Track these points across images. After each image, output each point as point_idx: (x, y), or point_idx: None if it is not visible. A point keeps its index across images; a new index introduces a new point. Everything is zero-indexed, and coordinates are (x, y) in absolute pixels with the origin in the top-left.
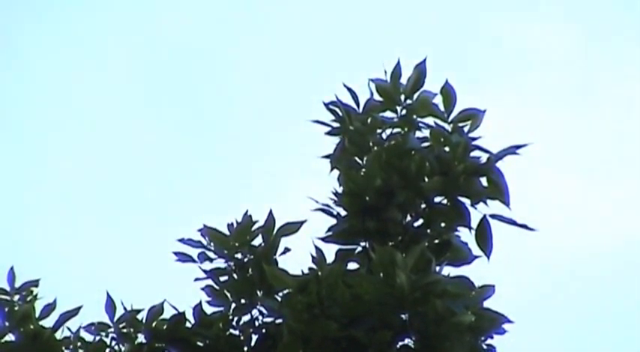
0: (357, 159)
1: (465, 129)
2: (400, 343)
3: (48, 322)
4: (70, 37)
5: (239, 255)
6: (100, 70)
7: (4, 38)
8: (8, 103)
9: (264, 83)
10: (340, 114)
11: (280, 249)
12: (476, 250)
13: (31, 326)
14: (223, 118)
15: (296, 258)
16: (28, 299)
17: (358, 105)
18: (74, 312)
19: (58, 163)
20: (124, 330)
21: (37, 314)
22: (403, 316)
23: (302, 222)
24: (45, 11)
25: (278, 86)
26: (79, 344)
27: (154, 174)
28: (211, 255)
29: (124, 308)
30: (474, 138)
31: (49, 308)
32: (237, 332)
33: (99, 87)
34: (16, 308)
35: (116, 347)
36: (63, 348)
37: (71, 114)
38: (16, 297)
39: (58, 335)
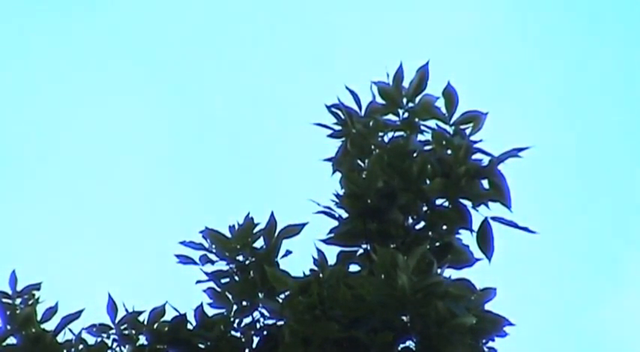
0: (359, 161)
1: (467, 132)
2: (401, 345)
3: (50, 325)
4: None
5: (240, 257)
6: (99, 72)
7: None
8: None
9: (267, 85)
10: (342, 116)
11: (282, 252)
12: (477, 252)
13: (33, 330)
14: (225, 120)
15: (298, 260)
16: (30, 302)
17: (360, 108)
18: (76, 315)
19: (59, 165)
20: (126, 332)
21: (38, 318)
22: (404, 317)
23: (304, 225)
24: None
25: (280, 88)
26: (80, 346)
27: (156, 176)
28: (213, 257)
29: (126, 310)
30: (476, 141)
31: (51, 311)
32: (238, 334)
33: (99, 91)
34: (18, 312)
35: (117, 349)
36: (65, 351)
37: (73, 117)
38: (18, 300)
39: (60, 338)
